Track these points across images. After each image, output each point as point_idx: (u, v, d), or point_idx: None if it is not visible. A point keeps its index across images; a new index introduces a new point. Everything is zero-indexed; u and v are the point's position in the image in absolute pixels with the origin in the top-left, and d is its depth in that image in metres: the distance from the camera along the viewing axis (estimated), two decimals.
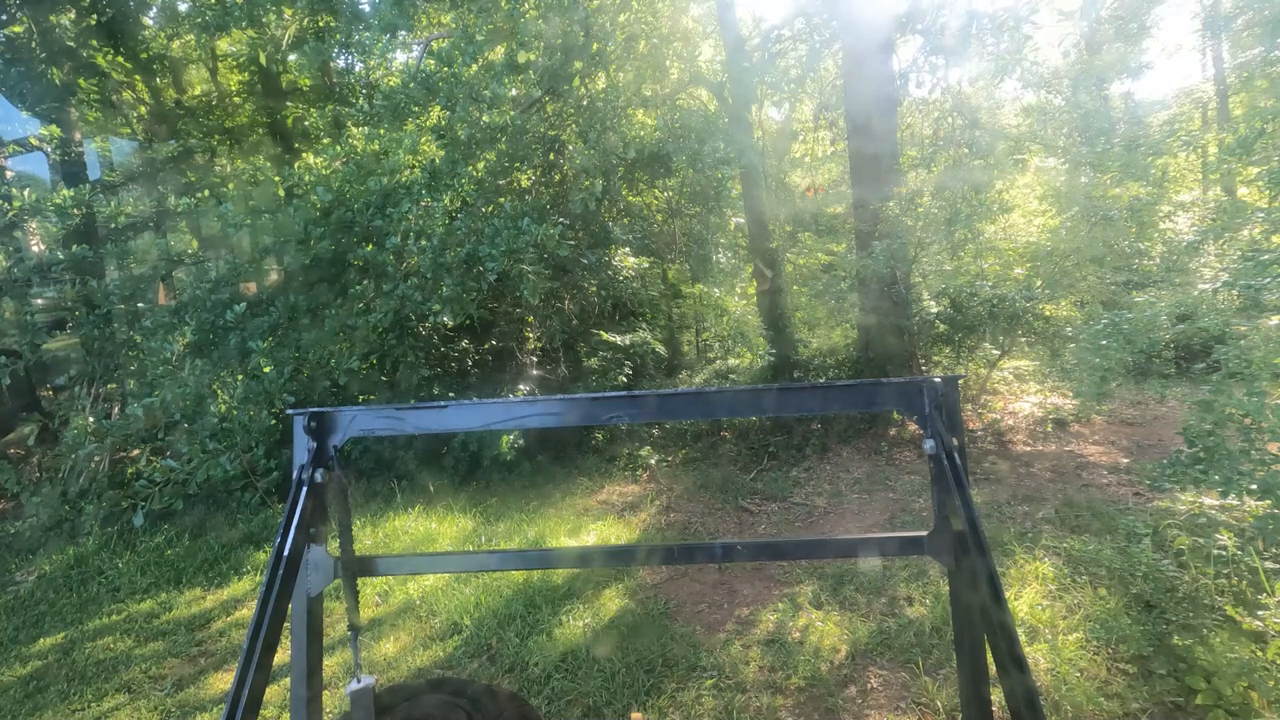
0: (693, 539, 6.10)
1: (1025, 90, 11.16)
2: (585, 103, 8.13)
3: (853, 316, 10.70)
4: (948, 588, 1.74)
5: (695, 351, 12.43)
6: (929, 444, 1.65)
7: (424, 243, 6.47)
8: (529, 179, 8.62)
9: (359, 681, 1.71)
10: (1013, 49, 9.74)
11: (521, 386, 8.58)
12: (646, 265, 11.04)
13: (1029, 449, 7.78)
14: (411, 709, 1.68)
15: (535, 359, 8.70)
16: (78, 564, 5.92)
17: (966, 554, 1.52)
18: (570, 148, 8.09)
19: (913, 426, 8.63)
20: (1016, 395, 9.73)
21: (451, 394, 8.50)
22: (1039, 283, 8.35)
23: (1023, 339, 8.88)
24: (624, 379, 9.37)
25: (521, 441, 8.29)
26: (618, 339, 9.47)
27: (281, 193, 6.90)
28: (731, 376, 9.77)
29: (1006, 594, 2.21)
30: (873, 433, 8.63)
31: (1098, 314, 9.14)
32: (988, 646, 1.52)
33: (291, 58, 11.81)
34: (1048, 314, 8.64)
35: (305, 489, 1.72)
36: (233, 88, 14.36)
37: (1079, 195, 8.57)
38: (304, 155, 8.00)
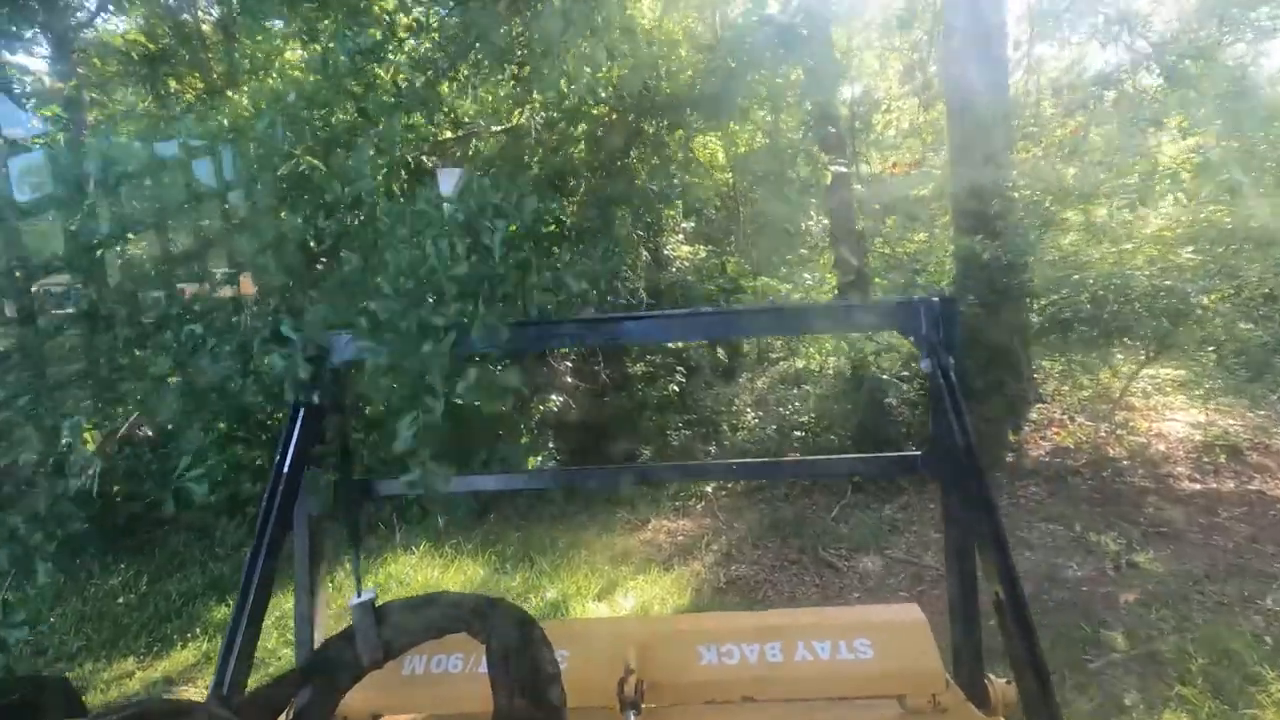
0: (759, 607, 4.67)
1: (1161, 51, 9.14)
2: None
3: None
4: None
5: (756, 353, 10.91)
6: (925, 363, 1.69)
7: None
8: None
9: (360, 596, 1.61)
10: None
11: (554, 396, 7.27)
12: (703, 255, 9.60)
13: (1200, 487, 5.99)
14: (411, 618, 1.59)
15: (570, 364, 7.37)
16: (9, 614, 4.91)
17: (961, 472, 1.59)
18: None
19: (1049, 443, 6.95)
20: (1159, 412, 7.87)
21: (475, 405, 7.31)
22: (1203, 270, 6.51)
23: (1173, 341, 7.03)
24: (675, 387, 7.97)
25: (553, 462, 7.00)
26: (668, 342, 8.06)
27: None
28: (804, 386, 8.24)
29: None
30: (986, 452, 6.94)
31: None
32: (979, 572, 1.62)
33: None
34: (1211, 307, 6.80)
35: (302, 411, 1.74)
36: None
37: (1242, 167, 6.71)
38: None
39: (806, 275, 10.18)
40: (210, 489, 4.59)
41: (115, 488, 6.80)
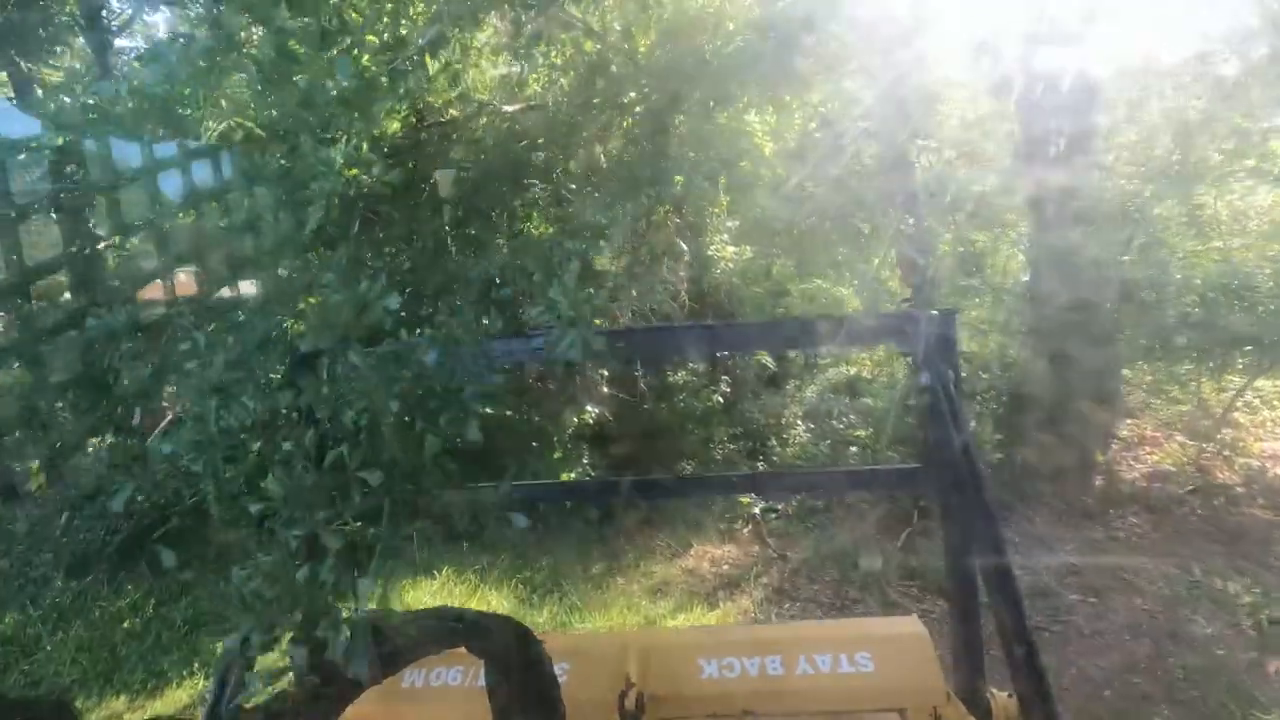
0: None
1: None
2: None
3: (1016, 318, 8.16)
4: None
5: (802, 358, 10.22)
6: (924, 378, 1.74)
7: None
8: None
9: (358, 611, 1.49)
10: None
11: (589, 407, 6.76)
12: (749, 255, 8.99)
13: None
14: (410, 633, 1.55)
15: (605, 374, 6.83)
16: (12, 640, 4.61)
17: (961, 485, 1.62)
18: None
19: (1143, 464, 6.16)
20: (1270, 430, 6.96)
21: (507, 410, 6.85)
22: None
23: None
24: (719, 398, 7.37)
25: (589, 477, 6.49)
26: None
27: None
28: (864, 399, 7.55)
29: None
30: (1072, 474, 6.15)
31: None
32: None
33: None
34: None
35: None
36: None
37: None
38: None
39: (885, 275, 9.46)
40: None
41: (141, 499, 6.57)
